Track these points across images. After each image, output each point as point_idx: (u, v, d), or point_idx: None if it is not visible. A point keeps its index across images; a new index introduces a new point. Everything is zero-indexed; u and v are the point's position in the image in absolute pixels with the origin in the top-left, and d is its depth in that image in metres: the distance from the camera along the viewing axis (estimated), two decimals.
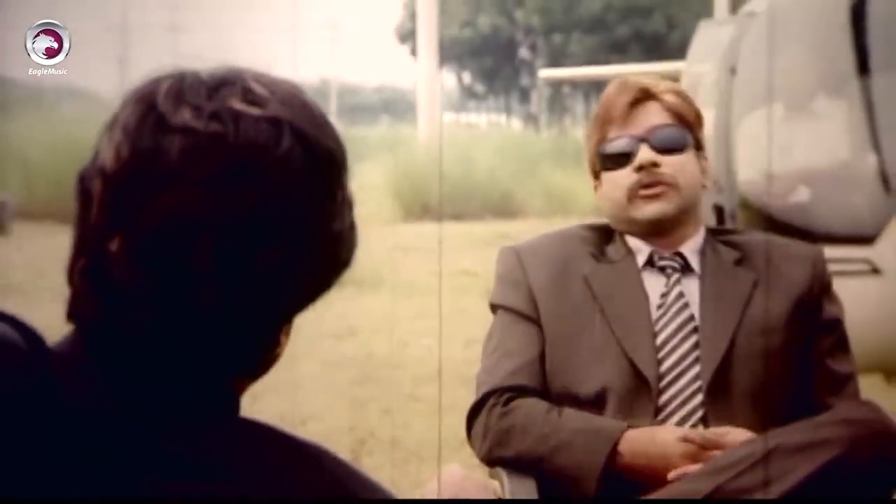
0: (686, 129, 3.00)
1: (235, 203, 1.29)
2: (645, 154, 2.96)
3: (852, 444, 2.70)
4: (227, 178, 1.29)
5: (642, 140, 2.97)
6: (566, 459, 2.83)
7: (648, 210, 2.97)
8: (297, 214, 1.32)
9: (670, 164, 2.96)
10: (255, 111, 1.32)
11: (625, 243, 3.02)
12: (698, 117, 3.05)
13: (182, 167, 1.29)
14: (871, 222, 6.50)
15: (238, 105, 1.32)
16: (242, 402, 1.38)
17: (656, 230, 2.99)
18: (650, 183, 2.96)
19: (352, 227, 1.39)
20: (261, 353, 1.37)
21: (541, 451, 2.85)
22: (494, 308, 3.07)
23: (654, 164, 2.95)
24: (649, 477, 2.78)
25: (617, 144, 2.99)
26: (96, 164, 1.33)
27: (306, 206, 1.33)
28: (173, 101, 1.32)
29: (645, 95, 3.01)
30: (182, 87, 1.33)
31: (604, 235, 3.06)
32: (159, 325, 1.29)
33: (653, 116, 2.99)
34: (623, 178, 2.98)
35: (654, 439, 2.79)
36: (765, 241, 3.08)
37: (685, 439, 2.77)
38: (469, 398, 3.00)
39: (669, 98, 3.01)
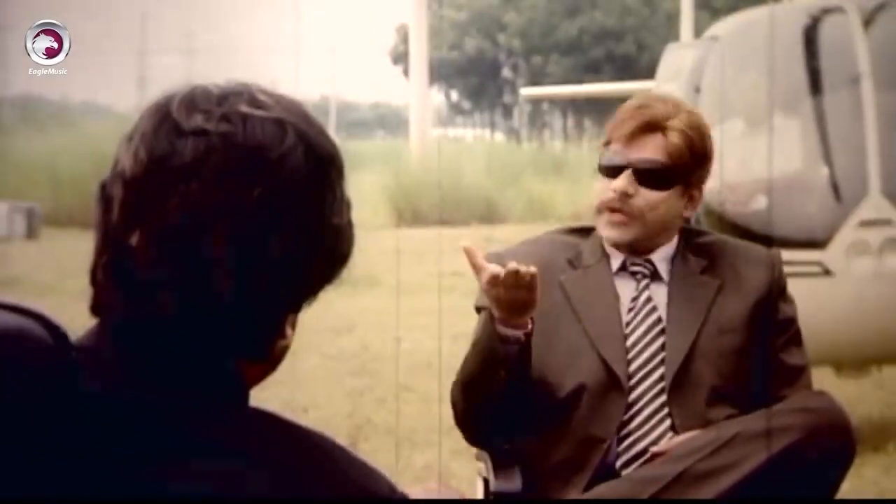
0: (677, 169, 2.90)
1: (245, 195, 1.30)
2: (622, 182, 2.89)
3: (808, 430, 2.70)
4: (237, 173, 1.30)
5: (629, 166, 2.90)
6: (482, 341, 2.81)
7: (606, 232, 2.94)
8: (301, 206, 1.33)
9: (644, 197, 2.90)
10: (261, 113, 1.34)
11: (601, 246, 3.00)
12: (700, 157, 2.93)
13: (195, 164, 1.30)
14: (823, 228, 6.53)
15: (245, 108, 1.33)
16: (251, 393, 1.38)
17: (615, 247, 2.97)
18: (616, 209, 2.92)
19: (349, 224, 1.40)
20: (270, 339, 1.37)
21: (471, 357, 2.84)
22: (479, 310, 3.05)
23: (626, 194, 2.90)
24: (517, 295, 2.76)
25: (610, 158, 2.94)
26: (116, 172, 1.34)
27: (309, 199, 1.34)
28: (186, 109, 1.33)
29: (652, 126, 2.90)
30: (194, 96, 1.34)
31: (581, 238, 3.05)
32: (177, 311, 1.29)
33: (649, 148, 2.90)
34: (602, 189, 2.94)
35: (485, 269, 2.77)
36: (729, 246, 3.06)
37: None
38: None
39: (673, 136, 2.89)
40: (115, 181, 1.33)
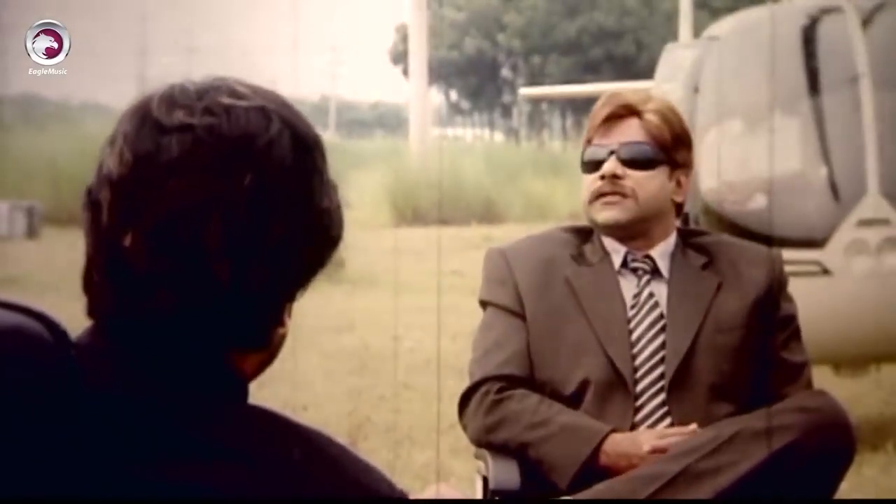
0: (660, 148, 2.95)
1: (235, 185, 1.30)
2: (610, 165, 2.94)
3: (808, 429, 2.71)
4: (226, 163, 1.30)
5: (612, 152, 2.95)
6: (550, 451, 2.82)
7: (603, 215, 2.96)
8: (291, 191, 1.33)
9: (633, 178, 2.93)
10: (243, 103, 1.34)
11: (602, 245, 3.01)
12: (679, 138, 2.99)
13: (183, 159, 1.30)
14: (821, 228, 6.52)
15: (227, 100, 1.33)
16: (250, 390, 1.37)
17: (613, 234, 2.98)
18: (609, 192, 2.94)
19: (338, 207, 1.40)
20: (269, 327, 1.37)
21: (528, 439, 2.84)
22: (484, 304, 3.06)
23: (616, 176, 2.93)
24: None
25: (592, 152, 2.99)
26: (102, 176, 1.34)
27: (298, 184, 1.34)
28: (166, 107, 1.33)
29: (627, 111, 2.97)
30: (173, 94, 1.34)
31: (583, 237, 3.06)
32: (176, 307, 1.29)
33: (628, 132, 2.96)
34: (591, 182, 2.98)
35: (638, 443, 2.79)
36: (729, 245, 3.07)
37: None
38: (457, 387, 3.00)
39: (650, 117, 2.96)
40: (101, 185, 1.33)
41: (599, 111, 2.99)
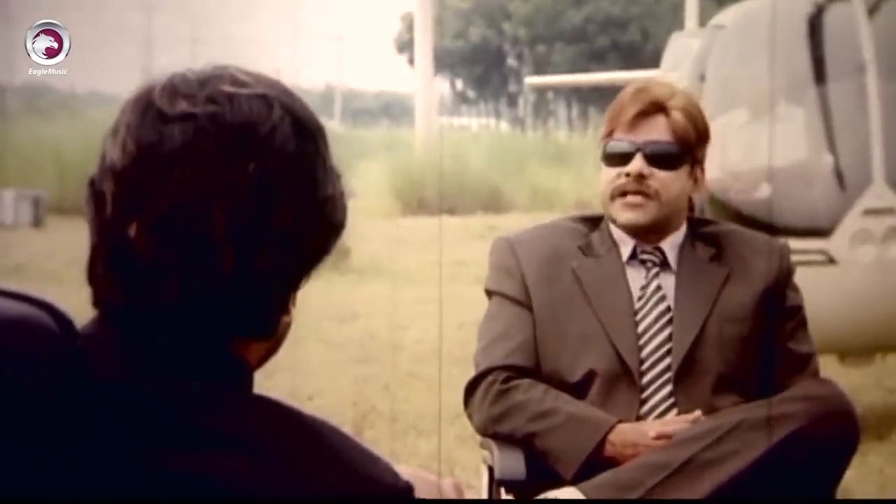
0: (684, 147, 2.93)
1: (239, 173, 1.30)
2: (636, 164, 2.90)
3: (812, 418, 2.71)
4: (230, 152, 1.30)
5: (639, 149, 2.91)
6: (556, 441, 2.82)
7: (624, 216, 2.94)
8: (294, 178, 1.34)
9: (658, 178, 2.91)
10: (245, 91, 1.34)
11: (610, 235, 3.00)
12: (701, 135, 2.96)
13: (186, 148, 1.30)
14: (827, 217, 6.52)
15: (229, 88, 1.34)
16: (255, 380, 1.38)
17: (631, 233, 2.97)
18: (633, 191, 2.92)
19: (342, 195, 1.40)
20: (275, 316, 1.37)
21: (534, 429, 2.85)
22: (490, 294, 3.05)
23: (642, 176, 2.91)
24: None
25: (616, 146, 2.95)
26: (105, 167, 1.34)
27: (301, 171, 1.34)
28: (168, 97, 1.33)
29: (655, 108, 2.93)
30: (174, 83, 1.34)
31: (590, 227, 3.05)
32: (180, 295, 1.29)
33: (655, 130, 2.92)
34: (613, 177, 2.94)
35: (643, 432, 2.79)
36: (737, 235, 3.06)
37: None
38: (462, 376, 3.00)
39: (677, 116, 2.92)
40: (104, 176, 1.33)
41: (628, 107, 2.94)
